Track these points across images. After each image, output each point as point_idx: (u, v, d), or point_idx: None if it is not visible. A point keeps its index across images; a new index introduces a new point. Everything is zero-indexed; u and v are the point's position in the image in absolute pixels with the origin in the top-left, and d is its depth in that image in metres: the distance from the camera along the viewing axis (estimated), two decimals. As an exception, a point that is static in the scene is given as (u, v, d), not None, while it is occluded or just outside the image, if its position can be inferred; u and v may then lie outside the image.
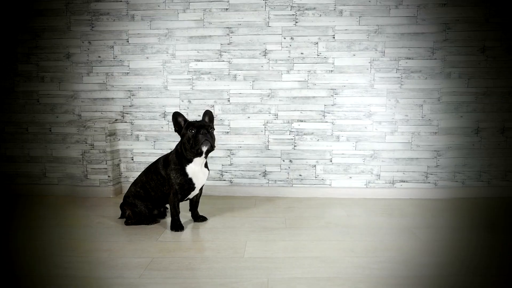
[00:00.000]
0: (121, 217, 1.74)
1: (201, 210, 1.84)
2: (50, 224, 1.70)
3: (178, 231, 1.59)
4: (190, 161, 1.57)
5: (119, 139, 2.30)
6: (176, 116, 1.55)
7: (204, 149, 1.51)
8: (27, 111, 2.29)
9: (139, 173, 2.28)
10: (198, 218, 1.75)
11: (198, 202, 1.76)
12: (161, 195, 1.65)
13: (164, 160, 1.64)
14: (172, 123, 1.62)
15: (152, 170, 1.66)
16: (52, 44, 2.24)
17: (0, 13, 2.22)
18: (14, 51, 2.25)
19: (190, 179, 1.58)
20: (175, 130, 1.59)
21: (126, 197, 1.69)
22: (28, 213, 1.88)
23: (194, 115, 2.24)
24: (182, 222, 1.64)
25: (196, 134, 1.49)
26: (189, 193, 1.64)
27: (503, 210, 1.94)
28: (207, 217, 1.77)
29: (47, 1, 2.21)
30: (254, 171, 2.26)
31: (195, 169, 1.58)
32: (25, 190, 2.27)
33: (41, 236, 1.54)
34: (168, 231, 1.61)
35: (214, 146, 1.55)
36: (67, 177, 2.29)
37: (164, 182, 1.61)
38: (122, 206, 1.72)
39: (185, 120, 1.57)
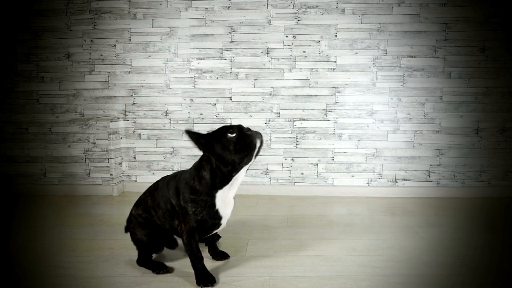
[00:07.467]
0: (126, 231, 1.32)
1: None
2: (51, 224, 1.69)
3: (209, 285, 1.10)
4: (228, 180, 1.13)
5: (121, 138, 2.30)
6: (191, 133, 1.13)
7: (258, 143, 1.10)
8: (27, 111, 2.29)
9: (141, 172, 2.32)
10: (218, 254, 1.32)
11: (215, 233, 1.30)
12: (169, 227, 1.23)
13: (176, 187, 1.18)
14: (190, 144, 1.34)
15: (160, 194, 1.22)
16: (52, 44, 2.24)
17: (0, 13, 2.21)
18: (14, 51, 2.25)
19: (217, 212, 1.15)
20: (201, 149, 1.12)
21: (128, 221, 1.30)
22: (28, 213, 1.87)
23: (196, 114, 2.24)
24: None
25: (241, 133, 1.11)
26: (212, 231, 1.21)
27: (503, 210, 1.94)
28: (228, 254, 1.34)
29: (47, 1, 2.20)
30: (256, 169, 2.26)
31: (226, 196, 1.16)
32: (25, 190, 2.27)
33: (42, 236, 1.53)
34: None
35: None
36: (68, 177, 2.28)
37: (174, 214, 1.18)
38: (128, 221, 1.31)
39: (203, 134, 1.14)
